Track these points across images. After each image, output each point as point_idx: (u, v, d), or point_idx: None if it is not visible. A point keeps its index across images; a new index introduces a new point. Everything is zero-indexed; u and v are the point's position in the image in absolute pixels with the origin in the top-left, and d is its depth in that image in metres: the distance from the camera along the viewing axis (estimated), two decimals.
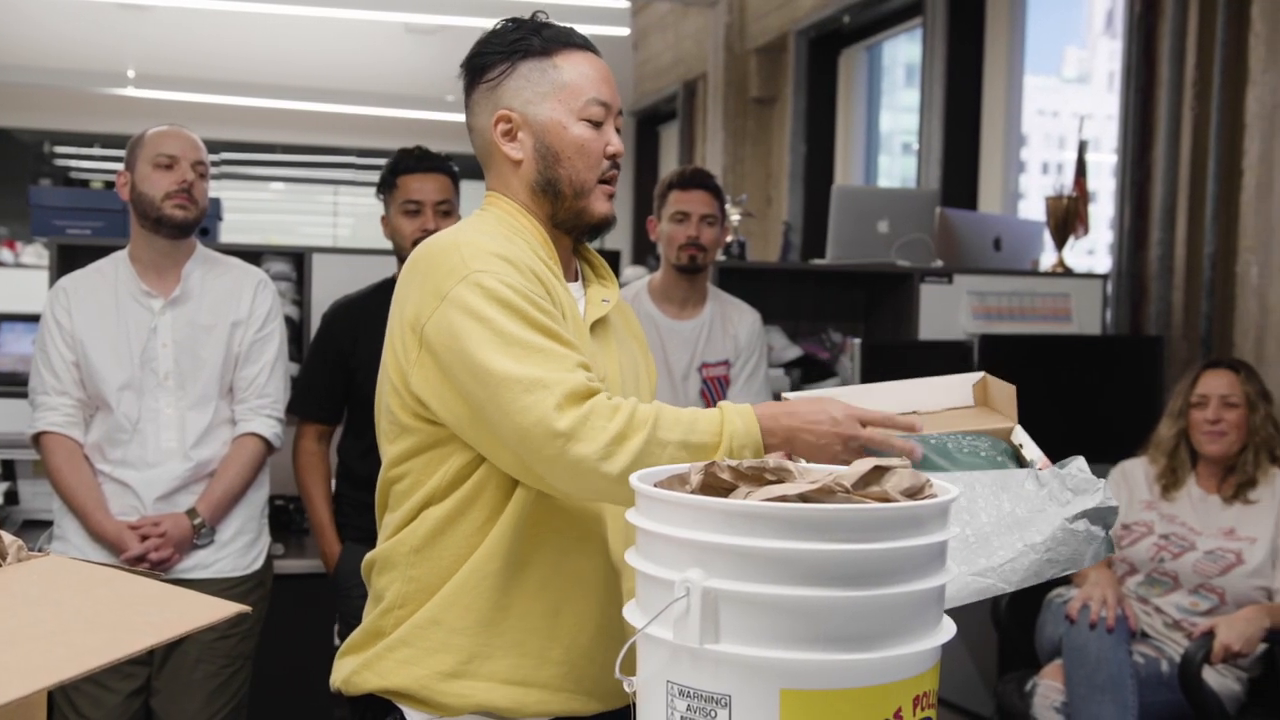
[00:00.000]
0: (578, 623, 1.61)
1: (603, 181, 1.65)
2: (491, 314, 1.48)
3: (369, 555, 1.68)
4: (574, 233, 1.69)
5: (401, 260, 3.00)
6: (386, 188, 3.06)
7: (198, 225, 2.79)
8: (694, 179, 3.50)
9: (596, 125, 1.64)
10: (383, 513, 1.67)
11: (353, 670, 1.64)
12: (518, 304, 1.50)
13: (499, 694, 1.57)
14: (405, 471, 1.61)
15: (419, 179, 3.01)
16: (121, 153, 2.81)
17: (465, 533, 1.58)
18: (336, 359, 3.03)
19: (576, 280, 1.74)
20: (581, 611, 1.61)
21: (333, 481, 3.13)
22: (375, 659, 1.62)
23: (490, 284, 1.50)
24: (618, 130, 1.68)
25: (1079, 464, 1.51)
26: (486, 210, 1.69)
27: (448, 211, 3.01)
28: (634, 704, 1.15)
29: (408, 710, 1.60)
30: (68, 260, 3.33)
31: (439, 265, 1.54)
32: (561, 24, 1.68)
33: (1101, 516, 1.45)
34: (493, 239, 1.57)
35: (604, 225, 1.69)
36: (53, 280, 3.28)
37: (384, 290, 2.95)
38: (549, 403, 1.42)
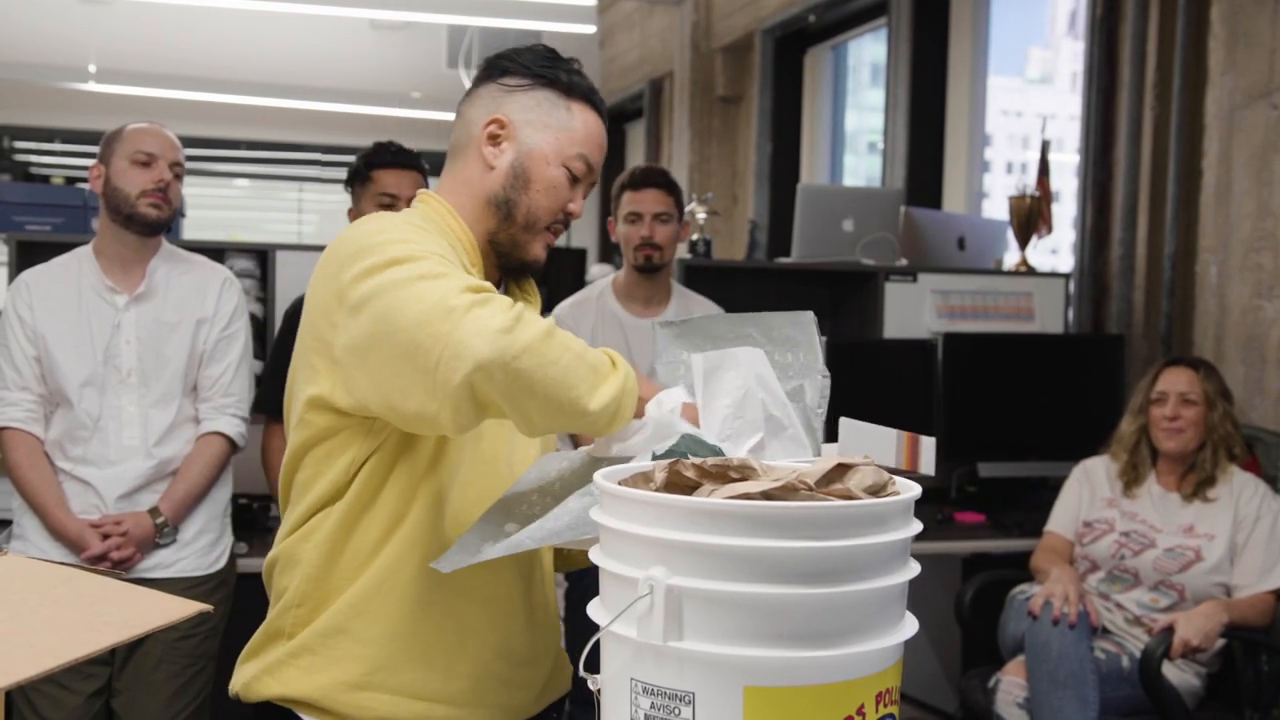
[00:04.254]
0: (483, 639, 1.59)
1: (549, 229, 1.65)
2: (408, 250, 1.44)
3: (270, 555, 1.64)
4: (501, 261, 1.67)
5: None
6: (359, 179, 3.05)
7: (168, 225, 2.79)
8: (645, 178, 3.49)
9: (574, 180, 1.64)
10: (285, 507, 1.63)
11: (253, 676, 1.61)
12: (436, 248, 1.48)
13: (403, 708, 1.55)
14: (306, 463, 1.57)
15: (395, 174, 3.01)
16: (83, 148, 2.80)
17: (368, 532, 1.55)
18: None
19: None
20: (488, 628, 1.59)
21: None
22: (277, 665, 1.58)
23: (413, 235, 1.48)
24: (584, 196, 1.68)
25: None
26: (415, 209, 1.67)
27: None
28: (598, 701, 1.16)
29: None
30: (27, 256, 3.30)
31: (361, 237, 1.49)
32: (589, 80, 1.69)
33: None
34: (418, 227, 1.55)
35: (531, 267, 1.68)
36: (11, 277, 3.24)
37: None
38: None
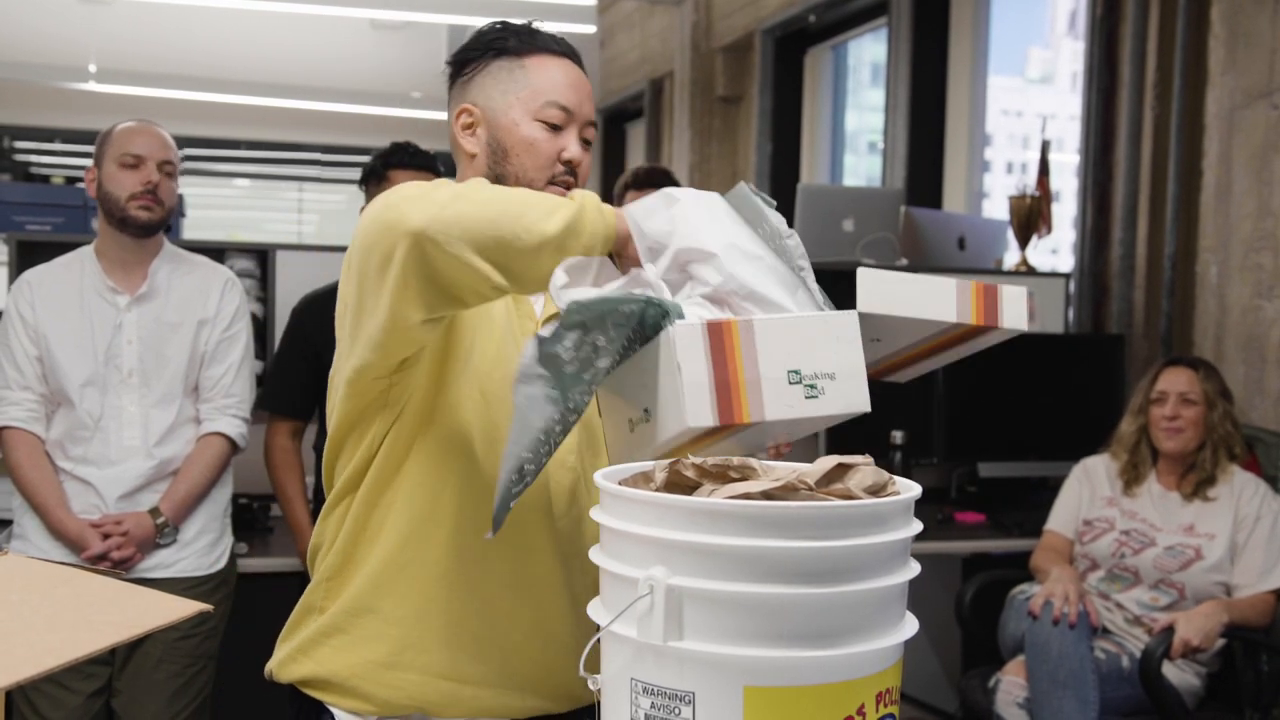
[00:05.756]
0: (514, 621, 1.58)
1: (553, 184, 1.62)
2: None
3: (313, 541, 1.66)
4: None
5: None
6: (375, 178, 3.05)
7: (163, 225, 2.77)
8: (648, 179, 3.50)
9: (555, 129, 1.62)
10: (328, 494, 1.65)
11: (287, 655, 1.62)
12: None
13: (432, 687, 1.55)
14: (343, 448, 1.60)
15: (411, 175, 3.01)
16: (83, 148, 2.81)
17: (390, 508, 1.56)
18: (309, 353, 3.01)
19: None
20: (520, 611, 1.58)
21: (308, 479, 3.11)
22: (310, 644, 1.59)
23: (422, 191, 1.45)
24: (587, 141, 1.65)
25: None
26: None
27: None
28: (598, 701, 1.16)
29: (337, 710, 1.57)
30: (27, 256, 3.30)
31: (380, 211, 1.46)
32: (548, 30, 1.67)
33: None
34: None
35: None
36: (12, 277, 3.24)
37: None
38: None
